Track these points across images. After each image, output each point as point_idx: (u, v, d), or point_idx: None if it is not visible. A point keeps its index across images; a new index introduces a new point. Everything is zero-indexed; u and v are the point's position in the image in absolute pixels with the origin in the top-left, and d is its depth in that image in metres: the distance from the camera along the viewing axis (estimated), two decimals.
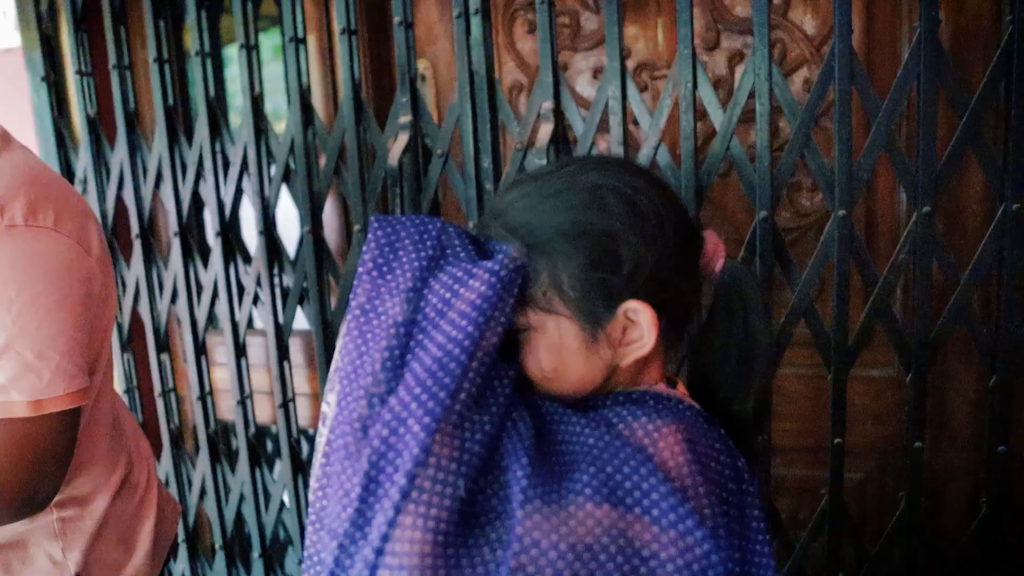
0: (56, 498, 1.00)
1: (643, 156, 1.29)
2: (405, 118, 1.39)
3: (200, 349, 1.68)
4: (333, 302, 1.53)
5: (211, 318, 1.67)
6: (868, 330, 1.23)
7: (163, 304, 1.69)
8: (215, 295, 1.63)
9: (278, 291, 1.58)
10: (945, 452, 1.44)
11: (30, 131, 1.74)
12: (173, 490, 1.77)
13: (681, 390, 0.80)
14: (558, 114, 1.32)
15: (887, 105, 1.17)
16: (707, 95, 1.24)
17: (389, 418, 0.65)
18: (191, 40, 1.53)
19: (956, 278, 1.18)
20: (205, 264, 1.65)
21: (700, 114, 1.25)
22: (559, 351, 0.73)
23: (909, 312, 1.33)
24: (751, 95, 1.21)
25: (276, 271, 1.57)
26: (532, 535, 0.62)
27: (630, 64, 1.55)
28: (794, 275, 1.24)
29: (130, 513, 1.13)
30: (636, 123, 1.36)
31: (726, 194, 1.52)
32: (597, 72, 1.59)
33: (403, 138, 1.39)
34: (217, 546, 1.75)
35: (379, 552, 0.62)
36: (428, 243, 0.73)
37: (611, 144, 1.29)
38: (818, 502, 1.30)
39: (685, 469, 0.66)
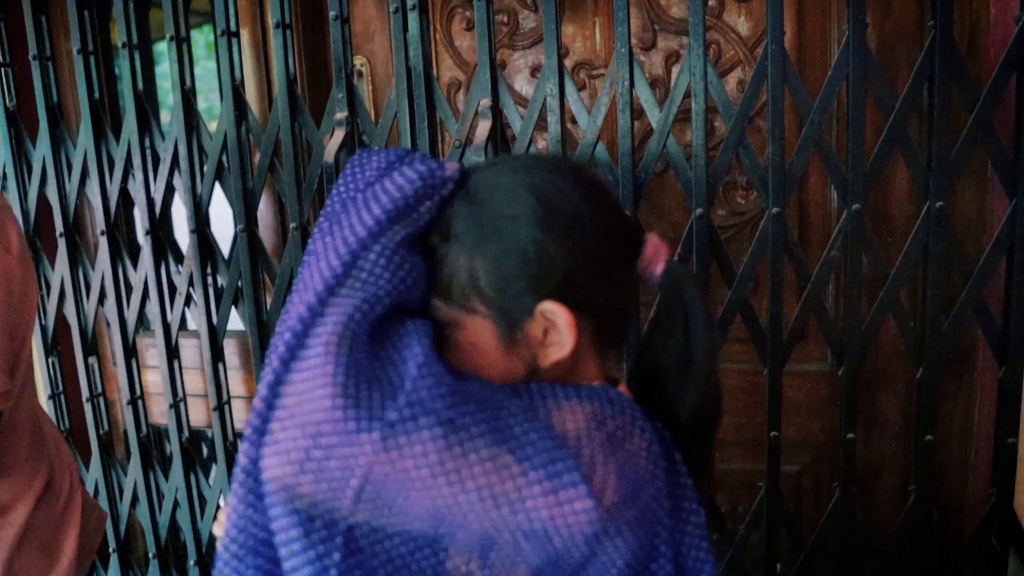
0: None
1: (581, 154, 1.29)
2: (341, 114, 1.37)
3: (130, 352, 1.62)
4: (269, 302, 1.49)
5: (141, 320, 1.62)
6: (802, 325, 1.25)
7: (90, 305, 1.63)
8: (145, 296, 1.58)
9: (211, 291, 1.54)
10: (877, 444, 1.49)
11: None
12: (103, 497, 1.71)
13: (621, 389, 0.80)
14: (496, 111, 1.31)
15: (818, 105, 1.19)
16: (644, 94, 1.25)
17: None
18: (118, 33, 1.47)
19: (884, 273, 1.22)
20: (134, 264, 1.60)
21: (637, 113, 1.26)
22: (478, 349, 0.73)
23: (840, 307, 1.37)
24: (687, 94, 1.23)
25: (209, 270, 1.52)
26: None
27: (568, 63, 1.55)
28: (730, 272, 1.26)
29: (53, 521, 1.10)
30: (574, 121, 1.37)
31: (663, 192, 1.54)
32: (535, 70, 1.59)
33: (339, 134, 1.37)
34: (151, 554, 1.69)
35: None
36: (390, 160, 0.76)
37: (549, 142, 1.29)
38: (756, 495, 1.33)
39: (585, 440, 0.65)
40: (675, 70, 1.51)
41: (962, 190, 1.33)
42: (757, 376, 1.34)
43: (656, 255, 0.76)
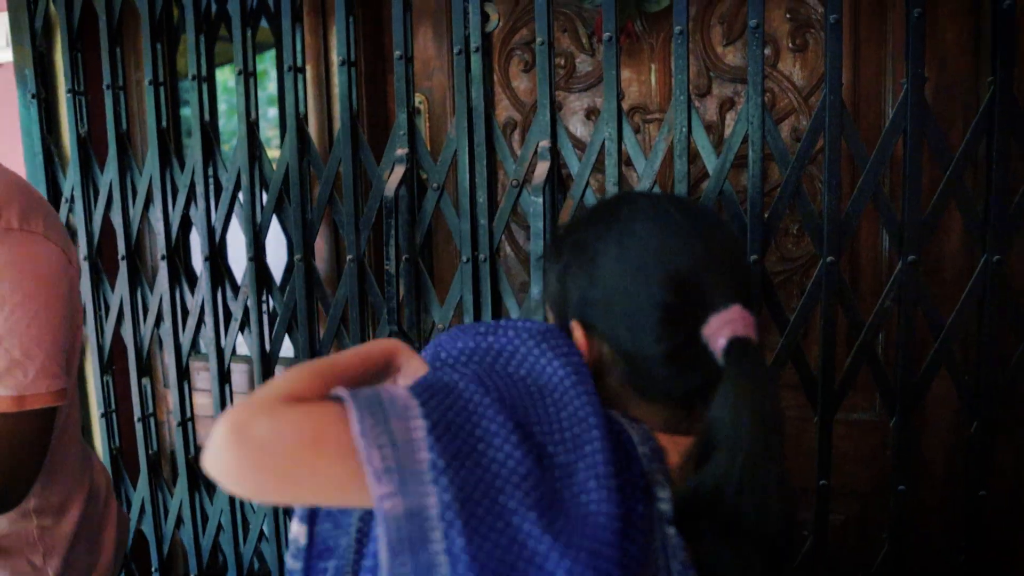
0: (34, 506, 1.05)
1: None
2: (402, 150, 1.41)
3: (183, 374, 1.66)
4: (321, 331, 1.52)
5: (195, 344, 1.66)
6: (854, 374, 1.25)
7: (147, 327, 1.67)
8: (201, 320, 1.62)
9: (265, 318, 1.57)
10: (921, 495, 1.47)
11: (17, 149, 1.72)
12: (148, 517, 1.74)
13: (665, 441, 0.75)
14: (554, 152, 1.34)
15: (875, 156, 1.20)
16: (701, 140, 1.27)
17: None
18: (189, 64, 1.53)
19: (939, 325, 1.22)
20: (192, 289, 1.64)
21: (692, 157, 1.28)
22: None
23: (891, 357, 1.37)
24: (744, 140, 1.25)
25: (265, 297, 1.56)
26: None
27: (623, 106, 1.58)
28: (782, 318, 1.27)
29: (97, 519, 1.18)
30: (628, 164, 1.39)
31: None
32: (590, 113, 1.62)
33: (399, 170, 1.40)
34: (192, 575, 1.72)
35: None
36: None
37: (606, 183, 1.31)
38: (802, 544, 1.32)
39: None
40: (729, 116, 1.53)
41: (1019, 246, 1.33)
42: (806, 423, 1.34)
43: (720, 329, 0.72)
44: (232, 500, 1.64)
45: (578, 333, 0.78)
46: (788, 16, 1.49)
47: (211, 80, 1.57)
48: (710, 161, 1.27)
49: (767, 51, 1.49)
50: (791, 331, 1.26)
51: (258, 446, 0.59)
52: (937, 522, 1.46)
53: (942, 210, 1.20)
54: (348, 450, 0.60)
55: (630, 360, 0.76)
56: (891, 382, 1.24)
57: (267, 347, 1.57)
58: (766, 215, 1.25)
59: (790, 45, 1.49)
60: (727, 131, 1.54)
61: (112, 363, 1.74)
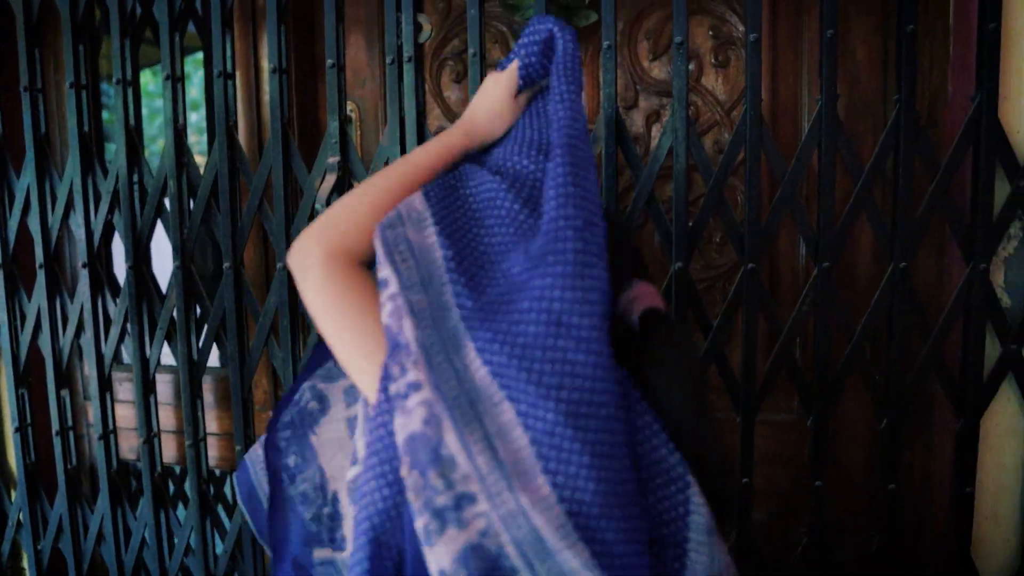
0: None
1: None
2: (334, 158, 1.41)
3: (105, 385, 1.61)
4: (251, 339, 1.50)
5: (116, 354, 1.61)
6: (773, 376, 1.31)
7: (67, 337, 1.62)
8: (124, 329, 1.57)
9: (193, 327, 1.54)
10: (840, 492, 1.54)
11: None
12: (67, 535, 1.67)
13: None
14: None
15: (792, 168, 1.26)
16: (629, 152, 1.31)
17: None
18: (114, 68, 1.50)
19: (851, 329, 1.28)
20: (114, 297, 1.60)
21: (619, 168, 1.32)
22: None
23: (808, 359, 1.43)
24: (669, 153, 1.29)
25: (192, 305, 1.53)
26: None
27: None
28: (706, 324, 1.31)
29: None
30: None
31: (641, 246, 1.60)
32: None
33: (331, 178, 1.40)
34: None
35: None
36: None
37: None
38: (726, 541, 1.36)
39: None
40: (655, 128, 1.58)
41: (923, 254, 1.41)
42: (727, 424, 1.39)
43: (630, 304, 0.79)
44: (157, 514, 1.59)
45: None
46: (711, 33, 1.55)
47: (136, 84, 1.54)
48: (637, 172, 1.31)
49: (691, 66, 1.54)
50: (714, 336, 1.30)
51: (305, 297, 0.78)
52: (854, 516, 1.53)
53: (854, 220, 1.27)
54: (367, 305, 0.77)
55: None
56: (808, 383, 1.31)
57: (195, 356, 1.54)
58: (690, 224, 1.30)
59: (713, 61, 1.55)
60: (653, 143, 1.59)
61: (28, 375, 1.68)
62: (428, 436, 0.67)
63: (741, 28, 1.53)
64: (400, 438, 0.68)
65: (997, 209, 1.24)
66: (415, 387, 0.69)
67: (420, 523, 0.65)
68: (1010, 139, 1.23)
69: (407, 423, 0.68)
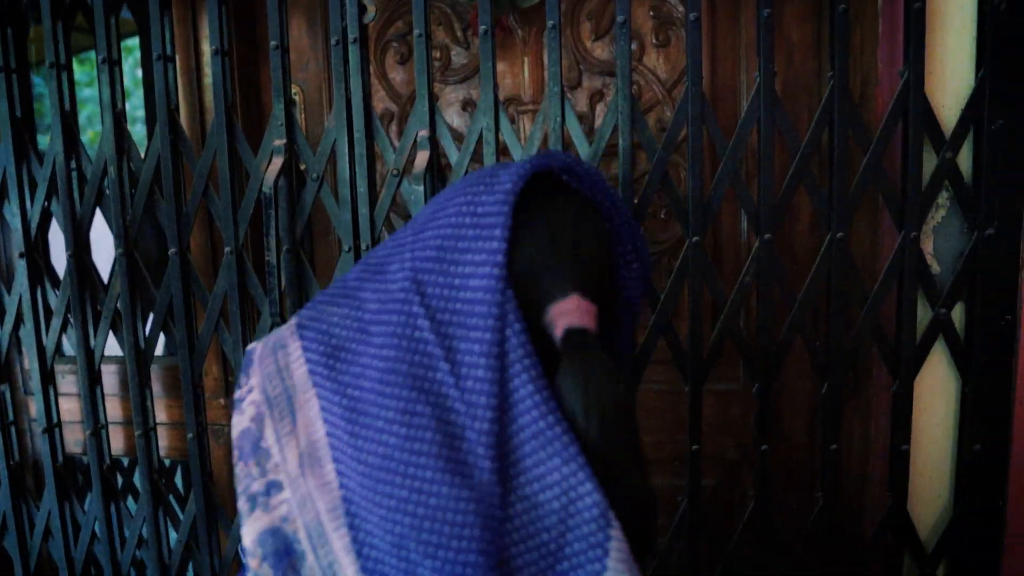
0: None
1: None
2: (280, 141, 1.40)
3: (48, 378, 1.57)
4: (199, 325, 1.48)
5: (58, 345, 1.57)
6: (719, 346, 1.35)
7: (4, 330, 1.57)
8: (66, 320, 1.54)
9: (139, 315, 1.52)
10: (784, 456, 1.60)
11: None
12: (12, 532, 1.63)
13: None
14: (433, 142, 1.37)
15: (732, 144, 1.30)
16: (575, 130, 1.33)
17: None
18: (46, 52, 1.45)
19: (792, 298, 1.33)
20: (54, 287, 1.56)
21: (565, 146, 1.34)
22: None
23: (751, 329, 1.48)
24: (614, 130, 1.32)
25: (135, 294, 1.51)
26: None
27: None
28: (653, 297, 1.35)
29: None
30: (504, 152, 1.43)
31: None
32: (466, 104, 1.65)
33: (277, 161, 1.39)
34: None
35: None
36: None
37: None
38: (675, 509, 1.41)
39: None
40: (599, 108, 1.61)
41: (857, 224, 1.47)
42: (675, 396, 1.44)
43: (557, 319, 0.74)
44: (107, 507, 1.57)
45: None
46: (652, 14, 1.58)
47: (70, 68, 1.50)
48: (582, 150, 1.33)
49: (633, 46, 1.57)
50: (661, 309, 1.34)
51: None
52: (798, 480, 1.59)
53: (792, 193, 1.31)
54: None
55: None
56: (752, 352, 1.35)
57: (141, 345, 1.51)
58: (636, 200, 1.33)
59: (654, 41, 1.58)
60: (597, 121, 1.61)
61: None
62: (252, 431, 0.77)
63: (681, 9, 1.56)
64: (234, 434, 0.78)
65: (925, 180, 1.30)
66: (249, 390, 0.79)
67: (239, 505, 0.73)
68: (936, 113, 1.29)
69: (240, 421, 0.78)
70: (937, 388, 1.37)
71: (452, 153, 1.37)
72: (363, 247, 1.40)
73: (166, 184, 1.44)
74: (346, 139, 1.38)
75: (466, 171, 1.37)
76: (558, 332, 0.73)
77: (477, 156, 1.36)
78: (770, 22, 1.27)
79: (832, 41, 1.29)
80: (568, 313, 0.73)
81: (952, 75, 1.31)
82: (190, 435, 1.50)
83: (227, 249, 1.43)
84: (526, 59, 1.62)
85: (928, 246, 1.35)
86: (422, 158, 1.35)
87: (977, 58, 1.30)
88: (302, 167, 1.51)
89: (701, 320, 1.34)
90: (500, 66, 1.63)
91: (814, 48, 1.53)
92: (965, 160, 1.31)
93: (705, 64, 1.54)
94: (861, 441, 1.48)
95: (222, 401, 1.70)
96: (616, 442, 0.69)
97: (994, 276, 1.30)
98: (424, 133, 1.36)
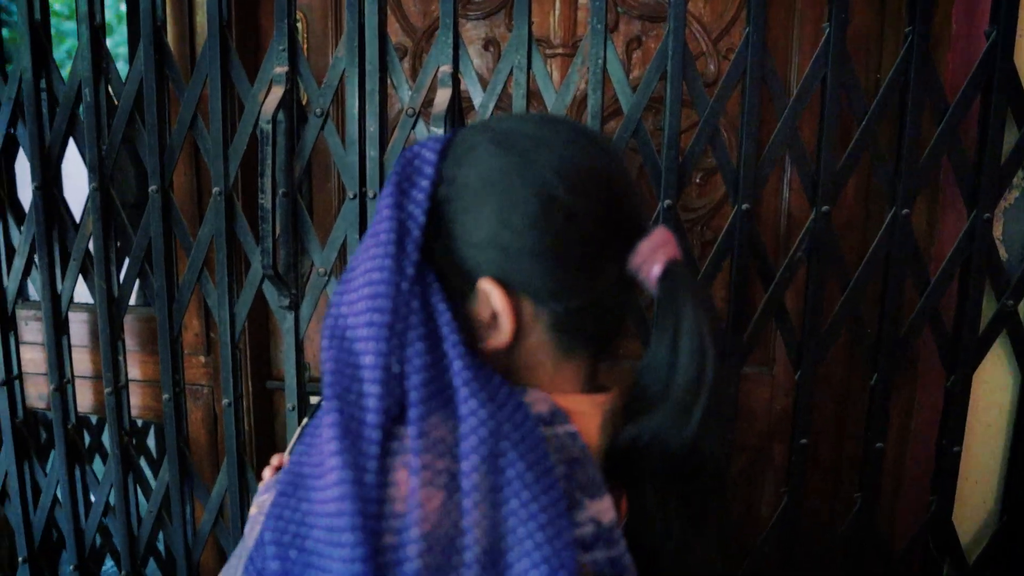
0: None
1: None
2: (281, 68, 1.23)
3: (8, 324, 1.41)
4: (180, 273, 1.33)
5: (21, 289, 1.41)
6: (762, 326, 1.22)
7: None
8: (31, 261, 1.37)
9: (113, 258, 1.36)
10: (813, 448, 1.48)
11: None
12: None
13: (579, 405, 0.66)
14: (456, 79, 1.21)
15: (792, 103, 1.16)
16: (616, 73, 1.18)
17: None
18: None
19: (846, 279, 1.20)
20: (18, 224, 1.39)
21: (604, 93, 1.19)
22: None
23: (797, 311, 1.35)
24: (662, 77, 1.17)
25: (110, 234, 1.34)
26: None
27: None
28: (693, 267, 1.21)
29: None
30: (536, 97, 1.28)
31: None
32: (488, 43, 1.49)
33: (277, 91, 1.23)
34: (21, 558, 1.48)
35: None
36: None
37: None
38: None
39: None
40: (635, 55, 1.45)
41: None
42: None
43: (653, 255, 0.63)
44: (71, 469, 1.42)
45: (497, 294, 0.62)
46: None
47: None
48: (623, 97, 1.18)
49: None
50: (702, 279, 1.20)
51: None
52: (823, 475, 1.48)
53: (856, 162, 1.18)
54: None
55: (556, 311, 0.64)
56: (796, 336, 1.22)
57: (115, 292, 1.35)
58: (680, 159, 1.18)
59: None
60: (634, 72, 1.46)
61: None
62: None
63: None
64: None
65: (1003, 157, 1.17)
66: None
67: None
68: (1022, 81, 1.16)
69: None
70: (992, 386, 1.26)
71: (476, 93, 1.22)
72: (370, 194, 1.24)
73: (148, 112, 1.27)
74: (356, 71, 1.22)
75: (491, 113, 1.22)
76: (656, 269, 0.62)
77: (504, 99, 1.21)
78: None
79: None
80: (665, 245, 0.63)
81: None
82: (166, 395, 1.35)
83: (215, 189, 1.27)
84: None
85: (998, 230, 1.22)
86: (443, 96, 1.19)
87: None
88: (303, 101, 1.35)
89: (746, 297, 1.21)
90: None
91: (877, 1, 1.38)
92: None
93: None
94: (899, 438, 1.36)
95: (202, 359, 1.54)
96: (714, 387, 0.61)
97: None
98: (446, 69, 1.20)
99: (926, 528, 1.25)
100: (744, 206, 1.18)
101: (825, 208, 1.17)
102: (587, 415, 0.65)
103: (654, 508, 0.64)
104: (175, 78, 1.27)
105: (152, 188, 1.29)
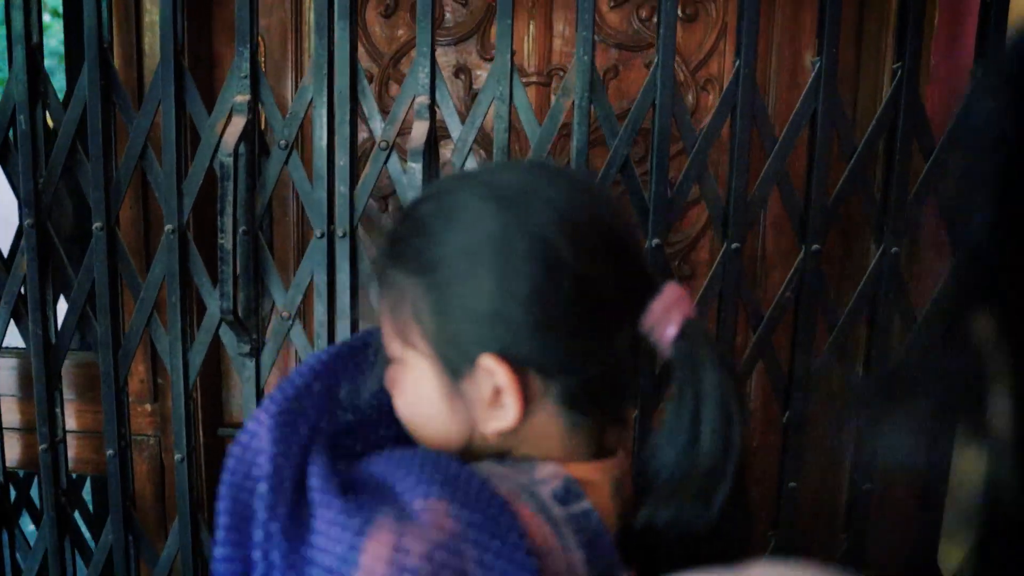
0: None
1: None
2: (243, 97, 1.14)
3: None
4: (127, 319, 1.21)
5: None
6: (750, 367, 1.18)
7: None
8: None
9: (49, 300, 1.23)
10: None
11: None
12: None
13: (588, 473, 0.60)
14: (432, 111, 1.14)
15: (783, 139, 1.13)
16: (602, 107, 1.13)
17: None
18: None
19: (835, 317, 1.17)
20: None
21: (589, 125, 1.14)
22: (420, 396, 0.60)
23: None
24: (652, 107, 1.12)
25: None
26: None
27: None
28: None
29: None
30: (514, 130, 1.22)
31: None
32: (459, 71, 1.43)
33: (239, 121, 1.13)
34: None
35: None
36: None
37: (495, 151, 1.14)
38: None
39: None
40: (612, 86, 1.41)
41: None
42: None
43: (667, 315, 0.58)
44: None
45: (503, 373, 0.56)
46: None
47: None
48: (608, 131, 1.13)
49: (654, 19, 1.38)
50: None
51: None
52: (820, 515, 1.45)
53: (843, 200, 1.15)
54: None
55: (567, 385, 0.58)
56: (786, 375, 1.19)
57: (52, 338, 1.23)
58: (670, 195, 1.14)
59: (680, 15, 1.39)
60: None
61: None
62: None
63: None
64: None
65: None
66: None
67: None
68: None
69: None
70: None
71: (453, 127, 1.15)
72: (339, 233, 1.16)
73: (93, 142, 1.15)
74: (325, 100, 1.14)
75: (469, 148, 1.15)
76: (672, 330, 0.57)
77: (482, 133, 1.15)
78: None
79: (901, 25, 1.13)
80: (680, 302, 0.58)
81: None
82: (110, 451, 1.23)
83: (168, 227, 1.17)
84: (532, 23, 1.41)
85: None
86: (420, 130, 1.12)
87: None
88: (267, 131, 1.26)
89: (734, 335, 1.17)
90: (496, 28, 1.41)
91: (853, 35, 1.37)
92: None
93: (731, 45, 1.36)
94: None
95: (148, 407, 1.42)
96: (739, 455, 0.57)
97: None
98: (423, 100, 1.13)
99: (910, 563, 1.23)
100: (734, 245, 1.14)
101: (816, 247, 1.15)
102: (598, 485, 0.60)
103: None
104: (123, 105, 1.16)
105: (96, 225, 1.17)
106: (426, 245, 0.58)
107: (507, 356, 0.55)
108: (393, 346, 0.61)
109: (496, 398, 0.57)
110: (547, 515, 0.54)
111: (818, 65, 1.12)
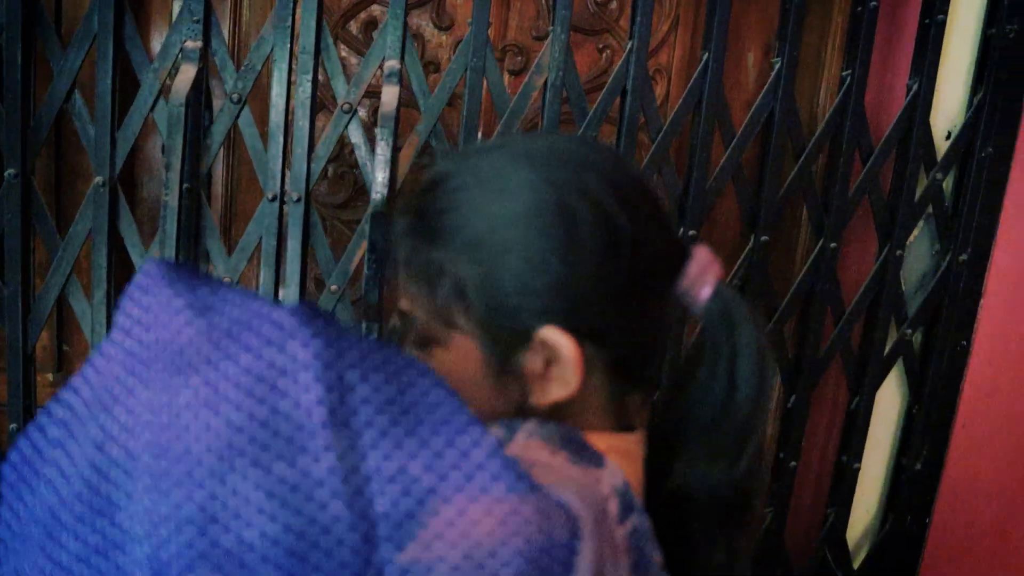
0: None
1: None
2: (194, 43, 1.04)
3: None
4: (40, 279, 1.08)
5: None
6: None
7: None
8: None
9: None
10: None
11: None
12: None
13: (625, 444, 0.60)
14: (403, 76, 1.09)
15: (740, 135, 1.18)
16: (574, 86, 1.13)
17: None
18: None
19: (774, 307, 1.24)
20: None
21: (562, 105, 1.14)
22: (461, 376, 0.57)
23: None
24: (623, 93, 1.13)
25: None
26: None
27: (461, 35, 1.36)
28: None
29: None
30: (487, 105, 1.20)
31: None
32: (415, 37, 1.37)
33: (188, 70, 1.03)
34: None
35: None
36: None
37: (462, 123, 1.11)
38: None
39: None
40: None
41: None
42: None
43: (702, 275, 0.59)
44: None
45: (567, 344, 0.54)
46: None
47: None
48: (578, 112, 1.13)
49: (613, 5, 1.38)
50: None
51: None
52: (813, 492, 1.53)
53: (791, 196, 1.22)
54: None
55: (621, 348, 0.58)
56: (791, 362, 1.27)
57: None
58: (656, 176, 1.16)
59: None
60: None
61: None
62: None
63: None
64: None
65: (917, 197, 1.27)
66: None
67: None
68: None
69: None
70: (885, 405, 1.36)
71: (421, 94, 1.11)
72: (295, 197, 1.09)
73: (9, 79, 1.01)
74: (287, 52, 1.06)
75: (436, 120, 1.11)
76: (706, 291, 0.58)
77: (454, 100, 1.11)
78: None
79: (851, 37, 1.20)
80: (712, 265, 0.59)
81: (947, 97, 1.28)
82: (13, 425, 1.10)
83: (98, 179, 1.04)
84: None
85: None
86: (390, 95, 1.07)
87: (974, 83, 1.28)
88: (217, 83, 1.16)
89: (684, 324, 1.21)
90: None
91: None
92: (947, 184, 1.30)
93: (681, 37, 1.39)
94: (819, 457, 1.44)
95: (50, 377, 1.27)
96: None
97: (960, 301, 1.30)
98: (394, 64, 1.08)
99: (824, 540, 1.34)
100: (690, 232, 1.18)
101: (765, 238, 1.20)
102: (635, 457, 0.60)
103: (702, 552, 0.61)
104: (48, 39, 1.03)
105: (10, 172, 1.03)
106: (465, 219, 0.55)
107: (568, 326, 0.54)
108: (431, 328, 0.58)
109: (554, 369, 0.55)
110: (611, 544, 0.52)
111: (777, 66, 1.17)
